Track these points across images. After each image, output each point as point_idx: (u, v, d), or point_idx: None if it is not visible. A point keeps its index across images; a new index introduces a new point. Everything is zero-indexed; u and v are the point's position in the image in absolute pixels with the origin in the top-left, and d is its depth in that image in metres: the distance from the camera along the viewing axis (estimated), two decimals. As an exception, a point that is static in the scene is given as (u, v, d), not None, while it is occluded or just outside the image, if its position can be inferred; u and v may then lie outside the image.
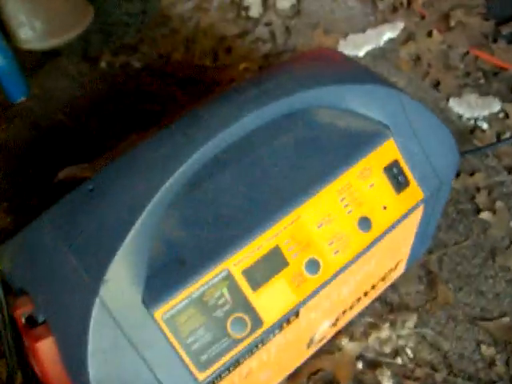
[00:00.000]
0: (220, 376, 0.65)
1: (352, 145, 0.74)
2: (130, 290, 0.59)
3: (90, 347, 0.58)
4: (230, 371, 0.66)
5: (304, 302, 0.69)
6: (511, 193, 1.17)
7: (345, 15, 1.58)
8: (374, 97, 0.77)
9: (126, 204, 0.61)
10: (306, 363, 0.87)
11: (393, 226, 0.76)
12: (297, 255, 0.67)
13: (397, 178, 0.76)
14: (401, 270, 0.95)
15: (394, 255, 0.88)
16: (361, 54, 1.48)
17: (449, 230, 1.11)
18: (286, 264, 0.66)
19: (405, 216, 0.77)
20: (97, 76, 1.43)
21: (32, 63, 1.43)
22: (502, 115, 1.32)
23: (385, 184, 0.75)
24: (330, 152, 0.72)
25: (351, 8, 1.60)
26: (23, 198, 1.16)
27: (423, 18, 1.56)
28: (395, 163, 0.76)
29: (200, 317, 0.61)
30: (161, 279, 0.60)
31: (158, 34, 1.53)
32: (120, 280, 0.58)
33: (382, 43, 1.51)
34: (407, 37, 1.52)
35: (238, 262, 0.63)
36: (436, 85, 1.39)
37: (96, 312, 0.58)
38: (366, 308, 0.94)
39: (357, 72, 0.83)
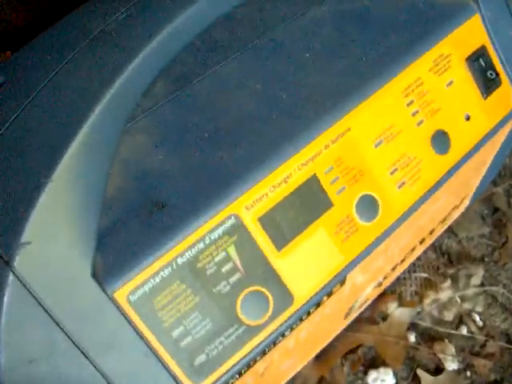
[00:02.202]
0: None
1: (421, 22, 0.54)
2: (70, 257, 0.38)
3: (3, 352, 0.36)
4: (240, 375, 0.43)
5: (354, 264, 0.47)
6: None
7: None
8: None
9: (61, 106, 0.40)
10: (340, 337, 0.68)
11: (478, 146, 0.55)
12: (344, 190, 0.46)
13: (484, 74, 0.56)
14: (463, 207, 0.74)
15: (464, 188, 0.67)
16: None
17: (517, 155, 0.90)
18: (327, 205, 0.46)
19: (493, 131, 0.56)
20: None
21: None
22: None
23: (468, 82, 0.54)
24: (388, 33, 0.52)
25: None
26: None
27: None
28: (482, 51, 0.56)
29: (192, 295, 0.40)
30: (124, 236, 0.39)
31: None
32: (50, 240, 0.37)
33: None
34: None
35: (252, 203, 0.43)
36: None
37: (10, 296, 0.36)
38: (418, 259, 0.73)
39: None
